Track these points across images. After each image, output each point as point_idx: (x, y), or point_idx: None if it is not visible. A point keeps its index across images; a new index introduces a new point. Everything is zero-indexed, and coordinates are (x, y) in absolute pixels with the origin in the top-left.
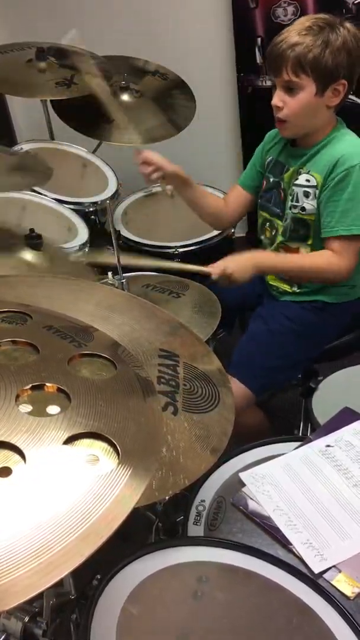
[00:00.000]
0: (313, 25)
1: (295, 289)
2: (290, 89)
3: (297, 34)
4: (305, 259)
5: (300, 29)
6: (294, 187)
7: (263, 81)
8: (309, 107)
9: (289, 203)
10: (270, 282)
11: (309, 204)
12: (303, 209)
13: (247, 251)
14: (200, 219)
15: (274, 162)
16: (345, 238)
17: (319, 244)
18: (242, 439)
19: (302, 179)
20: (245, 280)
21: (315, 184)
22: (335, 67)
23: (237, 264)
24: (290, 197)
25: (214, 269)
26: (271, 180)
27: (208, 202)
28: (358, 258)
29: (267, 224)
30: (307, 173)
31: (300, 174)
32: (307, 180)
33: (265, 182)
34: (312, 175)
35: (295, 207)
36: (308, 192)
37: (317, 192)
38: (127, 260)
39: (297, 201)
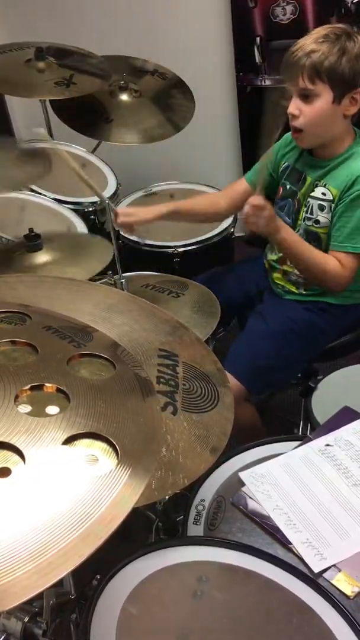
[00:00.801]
0: (330, 33)
1: (301, 290)
2: (307, 97)
3: (313, 42)
4: (317, 253)
5: (317, 37)
6: (309, 199)
7: (262, 80)
8: (326, 116)
9: (303, 214)
10: (276, 281)
11: (324, 217)
12: (317, 221)
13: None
14: None
15: (291, 169)
16: (350, 254)
17: None
18: (234, 435)
19: (318, 192)
20: (263, 231)
21: (332, 198)
22: (352, 75)
23: (270, 212)
24: (305, 209)
25: (258, 198)
26: (288, 187)
27: (198, 212)
28: (356, 273)
29: None
30: (324, 186)
31: (317, 186)
32: (323, 194)
33: (281, 189)
34: (329, 189)
35: (309, 219)
36: (323, 205)
37: (333, 206)
38: None
39: (312, 213)
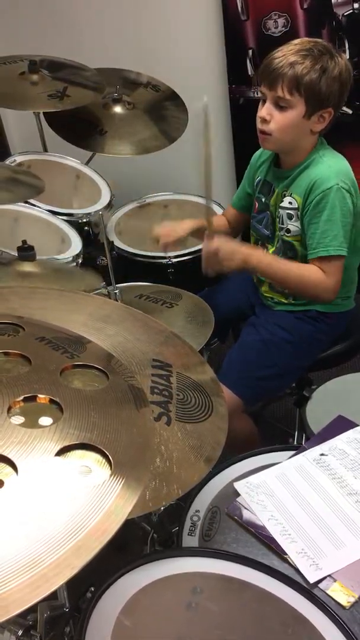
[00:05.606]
0: (314, 48)
1: (290, 300)
2: (281, 106)
3: (296, 54)
4: (296, 266)
5: (300, 49)
6: (279, 210)
7: (255, 92)
8: (295, 127)
9: (278, 225)
10: (265, 294)
11: (293, 226)
12: (288, 230)
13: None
14: None
15: (262, 182)
16: (325, 259)
17: None
18: (230, 446)
19: (286, 202)
20: (229, 268)
21: (297, 206)
22: (327, 95)
23: (227, 248)
24: (278, 219)
25: (209, 243)
26: (263, 200)
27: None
28: (342, 276)
29: (259, 243)
30: (290, 195)
31: (284, 196)
32: (290, 203)
33: (257, 203)
34: (294, 198)
35: (282, 229)
36: (291, 214)
37: (299, 213)
38: None
39: (283, 223)
